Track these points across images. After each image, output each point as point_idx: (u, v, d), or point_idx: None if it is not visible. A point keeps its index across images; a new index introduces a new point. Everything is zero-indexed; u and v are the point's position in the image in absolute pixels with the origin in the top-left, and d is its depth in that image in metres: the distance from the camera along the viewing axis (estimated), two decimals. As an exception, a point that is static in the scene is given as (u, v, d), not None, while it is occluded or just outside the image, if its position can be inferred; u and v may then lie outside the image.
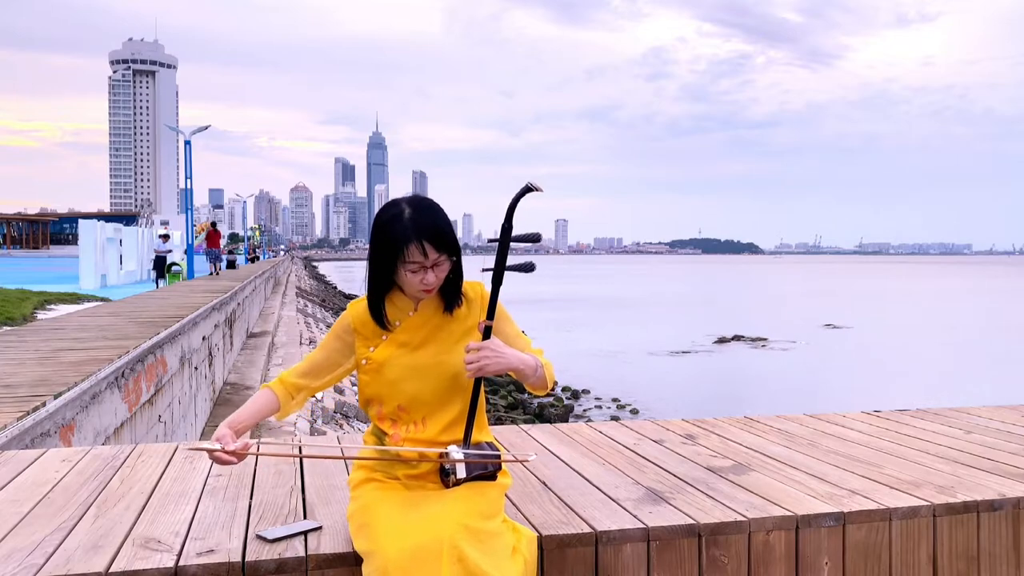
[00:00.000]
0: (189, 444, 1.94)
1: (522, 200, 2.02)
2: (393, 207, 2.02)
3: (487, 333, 2.02)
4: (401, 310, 2.10)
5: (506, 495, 2.34)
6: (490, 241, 2.07)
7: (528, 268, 2.08)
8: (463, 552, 1.76)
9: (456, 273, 2.08)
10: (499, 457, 2.05)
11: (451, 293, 2.10)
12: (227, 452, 1.94)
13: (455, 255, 2.03)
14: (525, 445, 3.11)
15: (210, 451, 1.95)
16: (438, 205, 2.04)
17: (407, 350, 2.07)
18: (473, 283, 2.15)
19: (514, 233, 2.03)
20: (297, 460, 2.81)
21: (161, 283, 22.66)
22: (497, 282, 2.04)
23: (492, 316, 2.04)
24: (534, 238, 2.03)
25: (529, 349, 2.11)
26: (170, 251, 24.09)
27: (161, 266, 23.46)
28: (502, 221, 2.03)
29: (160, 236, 24.73)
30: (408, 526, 1.84)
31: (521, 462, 2.18)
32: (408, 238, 1.95)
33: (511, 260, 2.05)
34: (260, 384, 13.33)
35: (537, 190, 1.98)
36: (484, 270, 2.09)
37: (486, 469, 2.02)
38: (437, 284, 2.03)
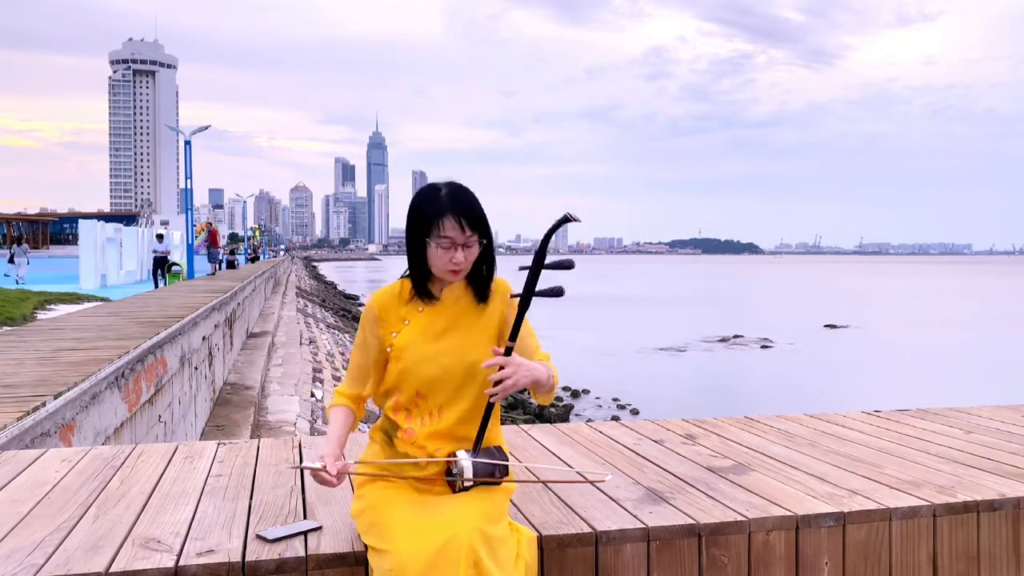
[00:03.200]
0: (297, 464, 1.99)
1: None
2: (430, 188, 2.06)
3: (507, 354, 1.98)
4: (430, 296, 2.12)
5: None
6: (521, 268, 2.06)
7: (558, 293, 2.06)
8: (479, 557, 1.77)
9: (488, 262, 2.09)
10: (507, 463, 2.06)
11: (480, 282, 2.10)
12: (331, 475, 1.98)
13: (486, 239, 2.04)
14: (525, 445, 3.11)
15: (315, 470, 1.98)
16: (473, 192, 2.06)
17: (428, 335, 2.07)
18: (505, 282, 2.15)
19: (548, 260, 2.00)
20: (297, 460, 2.82)
21: (160, 283, 22.51)
22: (524, 307, 2.03)
23: (515, 338, 2.01)
24: (567, 265, 2.03)
25: (538, 352, 2.11)
26: (168, 251, 23.59)
27: (160, 266, 22.90)
28: (536, 248, 2.00)
29: (156, 236, 24.16)
30: (424, 527, 1.84)
31: (597, 482, 2.21)
32: (443, 212, 1.98)
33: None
34: (260, 384, 13.32)
35: (575, 220, 1.97)
36: (513, 296, 2.10)
37: (493, 475, 2.02)
38: (466, 267, 2.03)
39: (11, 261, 25.48)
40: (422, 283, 2.09)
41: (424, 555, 1.76)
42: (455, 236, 1.98)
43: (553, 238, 1.99)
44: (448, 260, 2.00)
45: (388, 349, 2.10)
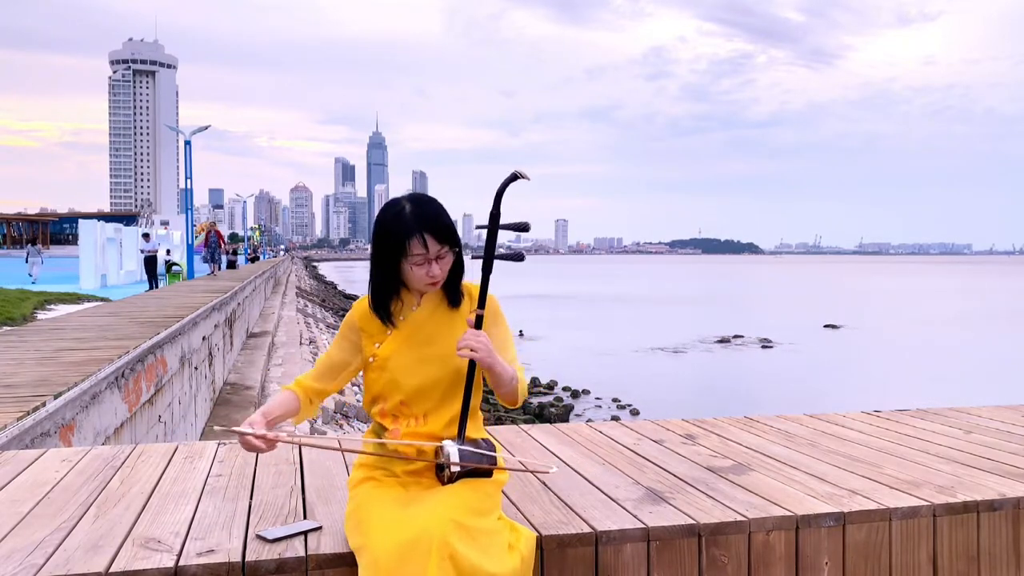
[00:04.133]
0: (221, 427, 2.00)
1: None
2: (393, 205, 2.07)
3: (478, 322, 2.04)
4: (406, 306, 2.14)
5: (506, 495, 2.35)
6: (478, 227, 2.08)
7: (518, 258, 2.10)
8: (454, 549, 1.75)
9: (458, 267, 2.11)
10: (495, 454, 2.07)
11: (453, 287, 2.13)
12: (257, 436, 1.94)
13: (457, 247, 2.06)
14: (525, 445, 3.11)
15: (242, 434, 1.95)
16: (437, 200, 2.08)
17: (411, 345, 2.09)
18: (469, 283, 2.17)
19: (503, 221, 2.04)
20: (297, 460, 2.82)
21: (161, 283, 22.30)
22: (487, 270, 2.06)
23: (483, 305, 2.05)
24: (523, 227, 2.03)
25: (513, 363, 2.12)
26: (155, 249, 22.38)
27: (152, 267, 21.70)
28: (490, 208, 2.03)
29: (143, 235, 23.15)
30: (400, 522, 1.84)
31: (540, 472, 2.20)
32: (410, 232, 2.00)
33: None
34: (260, 384, 13.32)
35: (524, 178, 1.99)
36: (474, 257, 2.11)
37: (481, 462, 2.03)
38: (443, 277, 2.07)
39: (28, 261, 26.05)
40: (386, 303, 2.10)
41: (395, 548, 1.76)
42: (424, 253, 2.01)
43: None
44: (424, 275, 2.04)
45: (371, 359, 2.12)
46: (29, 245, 27.19)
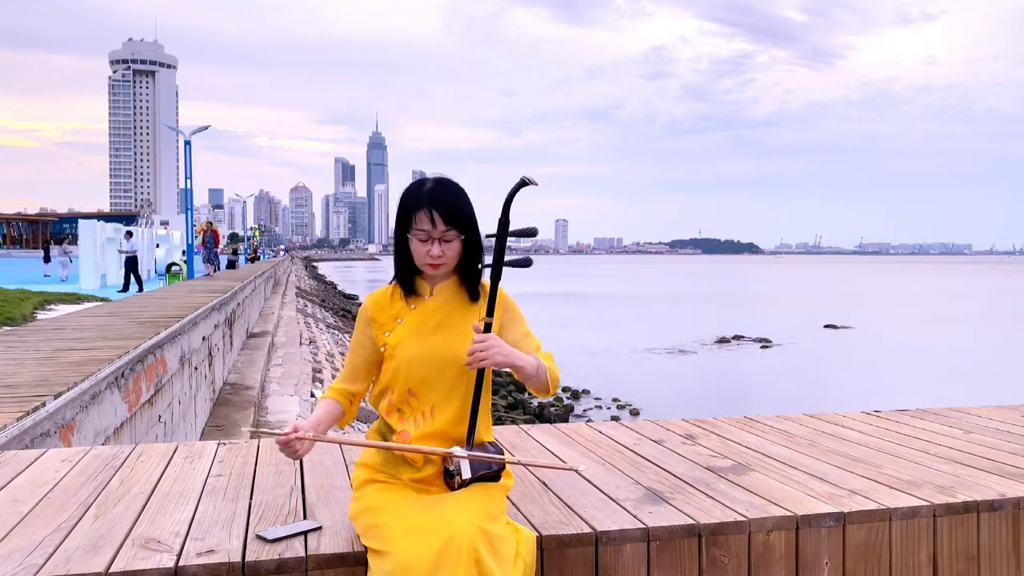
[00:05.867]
0: (252, 429, 2.05)
1: (521, 194, 2.03)
2: (417, 182, 2.09)
3: (487, 329, 2.03)
4: (418, 294, 2.13)
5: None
6: (487, 236, 2.08)
7: (525, 264, 2.10)
8: (480, 555, 1.77)
9: (473, 256, 2.09)
10: (503, 457, 2.06)
11: (470, 278, 2.11)
12: (297, 439, 1.96)
13: (466, 234, 2.04)
14: (525, 445, 3.11)
15: (280, 434, 1.98)
16: (461, 187, 2.07)
17: (420, 333, 2.09)
18: (486, 283, 2.15)
19: (511, 228, 2.04)
20: (297, 460, 2.82)
21: (161, 283, 22.17)
22: (496, 277, 2.05)
23: (491, 313, 2.04)
24: (531, 232, 2.04)
25: (538, 352, 2.12)
26: (135, 250, 20.17)
27: (132, 268, 19.73)
28: (499, 215, 2.03)
29: (126, 233, 20.94)
30: (424, 527, 1.83)
31: (570, 469, 2.20)
32: (419, 205, 2.01)
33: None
34: (259, 384, 13.32)
35: (533, 184, 1.99)
36: (483, 266, 2.10)
37: (490, 469, 2.02)
38: (445, 261, 2.04)
39: (47, 260, 25.99)
40: (406, 277, 2.12)
41: (427, 556, 1.76)
42: (429, 229, 2.01)
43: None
44: (425, 253, 2.03)
45: (382, 348, 2.12)
46: (55, 245, 27.22)
